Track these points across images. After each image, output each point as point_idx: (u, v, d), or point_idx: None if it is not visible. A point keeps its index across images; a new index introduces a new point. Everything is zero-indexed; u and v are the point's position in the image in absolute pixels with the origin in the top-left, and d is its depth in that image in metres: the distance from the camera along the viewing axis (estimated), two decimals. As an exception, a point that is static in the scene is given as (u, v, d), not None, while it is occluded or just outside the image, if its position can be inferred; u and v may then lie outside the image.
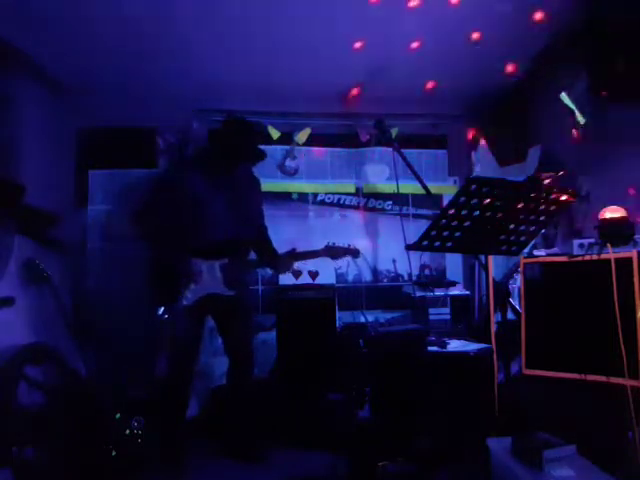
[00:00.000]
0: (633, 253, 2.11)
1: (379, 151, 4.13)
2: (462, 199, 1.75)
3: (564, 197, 1.90)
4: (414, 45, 3.11)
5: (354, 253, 2.97)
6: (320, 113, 4.06)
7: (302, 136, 4.06)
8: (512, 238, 2.00)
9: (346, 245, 2.94)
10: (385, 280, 4.11)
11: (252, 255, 2.97)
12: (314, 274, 3.79)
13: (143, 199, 2.79)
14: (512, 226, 1.94)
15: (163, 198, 2.70)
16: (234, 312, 2.82)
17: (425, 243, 1.87)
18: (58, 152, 3.69)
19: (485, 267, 2.26)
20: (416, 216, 4.18)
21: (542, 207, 1.91)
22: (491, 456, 1.94)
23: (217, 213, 2.69)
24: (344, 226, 4.11)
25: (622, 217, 2.28)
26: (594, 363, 2.20)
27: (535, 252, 2.70)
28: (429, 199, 3.88)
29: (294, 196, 4.09)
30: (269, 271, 3.91)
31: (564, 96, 2.94)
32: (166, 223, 2.65)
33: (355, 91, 3.58)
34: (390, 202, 4.17)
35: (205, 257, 2.66)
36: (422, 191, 2.30)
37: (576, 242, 2.36)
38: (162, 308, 2.32)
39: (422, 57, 3.25)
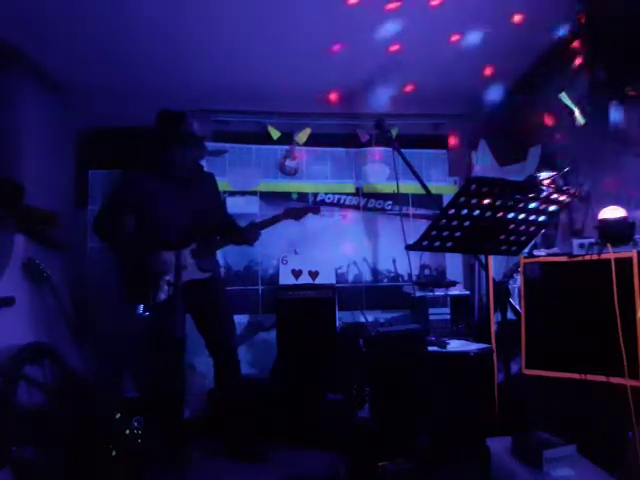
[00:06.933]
0: (633, 253, 2.11)
1: (379, 151, 4.13)
2: (462, 199, 1.75)
3: (564, 197, 1.90)
4: (415, 45, 3.11)
5: (315, 210, 3.04)
6: (320, 113, 4.06)
7: (302, 136, 4.07)
8: (512, 238, 2.00)
9: (306, 205, 3.06)
10: (385, 280, 4.11)
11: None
12: (314, 274, 3.79)
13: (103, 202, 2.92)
14: (512, 226, 1.94)
15: (117, 199, 2.80)
16: (212, 301, 2.86)
17: (425, 243, 1.87)
18: (58, 152, 3.69)
19: (485, 267, 2.26)
20: (416, 216, 4.17)
21: (542, 207, 1.91)
22: (491, 456, 1.94)
23: (170, 207, 2.75)
24: (344, 226, 4.11)
25: (622, 217, 2.28)
26: (594, 363, 2.20)
27: (535, 252, 2.70)
28: (429, 199, 3.89)
29: (294, 196, 4.09)
30: (269, 269, 3.92)
31: (564, 96, 2.94)
32: (123, 222, 2.76)
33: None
34: (390, 202, 4.17)
35: (171, 248, 2.68)
36: (422, 191, 2.30)
37: (576, 242, 2.35)
38: (141, 306, 2.32)
39: (422, 57, 3.25)
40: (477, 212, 1.80)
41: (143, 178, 2.79)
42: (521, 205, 1.86)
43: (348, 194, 4.15)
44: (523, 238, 2.03)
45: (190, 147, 2.76)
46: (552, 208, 1.93)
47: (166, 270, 2.66)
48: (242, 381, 3.01)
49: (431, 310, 3.53)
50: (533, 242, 2.30)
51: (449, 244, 1.90)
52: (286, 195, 4.07)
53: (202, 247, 2.81)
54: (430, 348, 2.74)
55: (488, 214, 1.83)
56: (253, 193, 4.02)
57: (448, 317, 3.53)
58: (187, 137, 2.74)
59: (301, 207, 3.05)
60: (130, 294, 2.73)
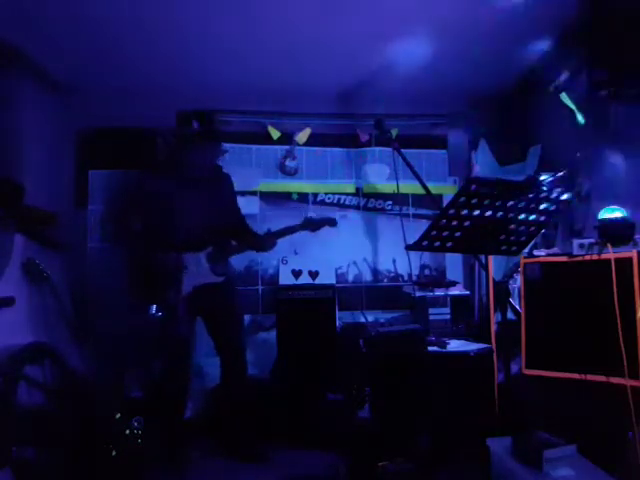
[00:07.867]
0: (633, 253, 2.11)
1: (379, 151, 4.13)
2: (462, 199, 1.75)
3: (564, 197, 1.90)
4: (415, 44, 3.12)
5: (331, 222, 3.03)
6: (320, 113, 4.06)
7: (302, 136, 4.07)
8: (512, 238, 2.00)
9: (323, 217, 3.08)
10: (385, 280, 4.11)
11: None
12: (314, 274, 3.79)
13: (111, 201, 2.87)
14: (512, 226, 1.94)
15: (128, 198, 2.81)
16: (224, 305, 2.86)
17: (425, 243, 1.87)
18: (58, 152, 3.69)
19: (485, 267, 2.26)
20: (416, 216, 4.17)
21: (542, 207, 1.91)
22: (491, 456, 1.94)
23: (185, 208, 2.73)
24: (344, 226, 4.11)
25: (622, 217, 2.28)
26: (594, 363, 2.20)
27: (535, 252, 2.70)
28: (429, 199, 3.88)
29: (294, 196, 4.09)
30: (269, 269, 3.93)
31: (564, 96, 2.94)
32: (135, 222, 2.76)
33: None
34: (390, 202, 4.17)
35: (187, 250, 2.67)
36: (422, 191, 2.30)
37: (576, 242, 2.35)
38: (154, 306, 2.32)
39: (422, 57, 3.25)
40: (477, 212, 1.81)
41: (158, 178, 2.77)
42: (521, 205, 1.86)
43: (348, 194, 4.15)
44: (523, 238, 2.03)
45: (209, 146, 2.76)
46: (552, 208, 1.93)
47: (178, 271, 2.65)
48: (248, 382, 3.01)
49: (431, 310, 3.53)
50: (533, 242, 2.30)
51: (449, 244, 1.90)
52: (286, 195, 4.07)
53: (218, 251, 2.79)
54: (430, 348, 2.74)
55: (488, 214, 1.83)
56: (253, 193, 4.02)
57: (448, 317, 3.53)
58: (207, 136, 2.73)
59: (318, 219, 3.01)
60: (142, 294, 2.72)
